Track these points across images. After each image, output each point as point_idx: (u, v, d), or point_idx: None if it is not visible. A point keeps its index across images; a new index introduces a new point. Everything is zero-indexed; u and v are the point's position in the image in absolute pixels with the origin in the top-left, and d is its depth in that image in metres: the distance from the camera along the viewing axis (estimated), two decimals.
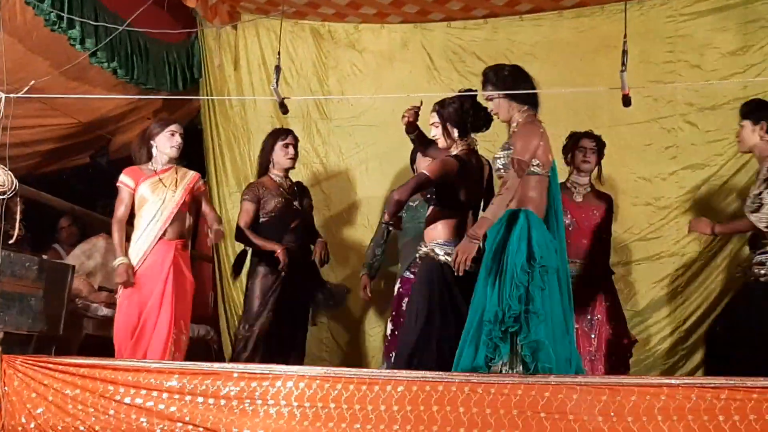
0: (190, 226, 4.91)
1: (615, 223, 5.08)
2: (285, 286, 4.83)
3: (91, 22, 4.76)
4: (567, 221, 4.73)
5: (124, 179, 4.65)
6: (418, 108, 4.39)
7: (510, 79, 3.84)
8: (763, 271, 4.11)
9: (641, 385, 3.20)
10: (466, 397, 3.29)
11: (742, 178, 5.11)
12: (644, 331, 5.26)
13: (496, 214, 3.65)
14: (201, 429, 3.53)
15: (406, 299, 4.57)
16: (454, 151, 4.11)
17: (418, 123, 4.44)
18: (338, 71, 6.02)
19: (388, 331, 4.86)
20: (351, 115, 5.97)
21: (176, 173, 4.71)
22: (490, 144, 4.59)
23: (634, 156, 5.43)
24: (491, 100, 3.90)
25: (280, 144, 4.98)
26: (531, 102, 3.84)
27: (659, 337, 5.27)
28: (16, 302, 4.23)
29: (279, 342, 4.81)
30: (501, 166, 3.79)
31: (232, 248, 5.71)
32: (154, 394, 3.64)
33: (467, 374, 3.41)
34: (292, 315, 4.88)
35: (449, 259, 3.84)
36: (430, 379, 3.36)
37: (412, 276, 4.68)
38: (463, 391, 3.30)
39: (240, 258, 5.12)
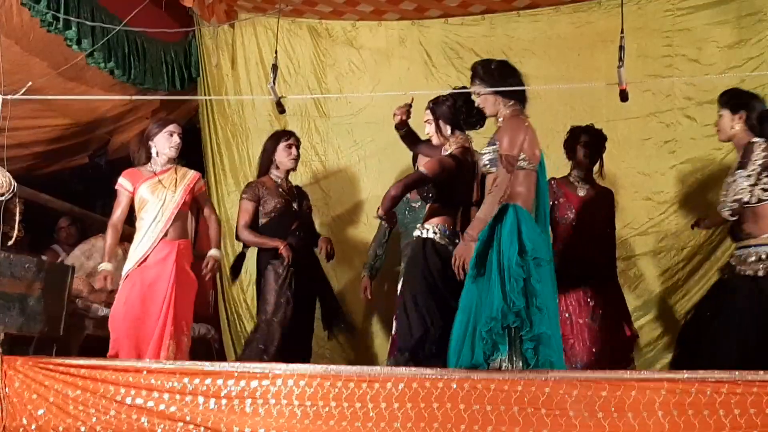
0: (193, 226, 4.91)
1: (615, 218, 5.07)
2: (296, 280, 4.81)
3: (88, 23, 4.76)
4: (571, 215, 4.74)
5: (123, 182, 4.63)
6: (410, 106, 4.40)
7: (497, 73, 3.82)
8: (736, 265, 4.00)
9: (641, 380, 3.20)
10: (466, 393, 3.29)
11: None
12: (645, 326, 5.26)
13: (489, 213, 3.62)
14: (202, 429, 3.53)
15: None
16: (448, 149, 4.12)
17: (409, 121, 4.44)
18: (336, 69, 6.01)
19: (393, 331, 4.85)
20: (349, 113, 5.96)
21: (176, 173, 4.69)
22: (485, 141, 4.56)
23: (633, 151, 5.43)
24: (480, 95, 3.89)
25: (283, 145, 4.96)
26: (518, 97, 3.82)
27: (659, 331, 5.27)
28: (16, 303, 4.21)
29: (294, 336, 4.77)
30: (488, 162, 3.77)
31: (231, 248, 5.71)
32: (155, 394, 3.63)
33: (467, 371, 3.40)
34: (302, 312, 4.86)
35: (438, 238, 3.93)
36: (430, 376, 3.36)
37: None
38: (463, 388, 3.30)
39: (238, 260, 5.10)
